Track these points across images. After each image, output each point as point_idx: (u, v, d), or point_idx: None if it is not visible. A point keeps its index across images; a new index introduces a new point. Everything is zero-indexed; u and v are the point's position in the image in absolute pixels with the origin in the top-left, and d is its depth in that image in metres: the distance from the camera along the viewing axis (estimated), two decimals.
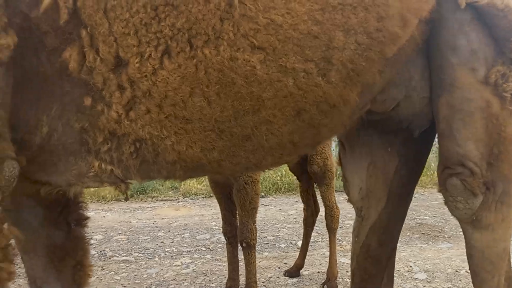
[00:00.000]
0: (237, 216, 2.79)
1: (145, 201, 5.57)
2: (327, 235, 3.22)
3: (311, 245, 3.33)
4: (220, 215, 2.91)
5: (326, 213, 3.02)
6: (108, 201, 5.45)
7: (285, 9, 1.12)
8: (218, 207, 2.91)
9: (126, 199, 1.40)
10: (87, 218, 1.51)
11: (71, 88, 1.12)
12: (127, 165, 1.22)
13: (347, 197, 1.75)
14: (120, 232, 4.35)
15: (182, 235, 4.19)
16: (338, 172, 3.65)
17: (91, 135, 1.17)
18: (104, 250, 3.79)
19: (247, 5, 1.10)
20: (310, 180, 3.07)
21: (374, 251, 1.64)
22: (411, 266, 3.33)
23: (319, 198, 3.15)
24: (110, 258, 3.62)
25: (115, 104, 1.13)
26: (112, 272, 3.32)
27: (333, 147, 4.45)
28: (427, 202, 5.32)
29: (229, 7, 1.09)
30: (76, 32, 1.07)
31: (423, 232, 4.22)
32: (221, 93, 1.14)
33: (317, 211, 3.18)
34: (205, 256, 3.62)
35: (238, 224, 2.76)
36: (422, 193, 5.69)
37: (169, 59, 1.11)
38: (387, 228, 1.64)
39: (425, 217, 4.72)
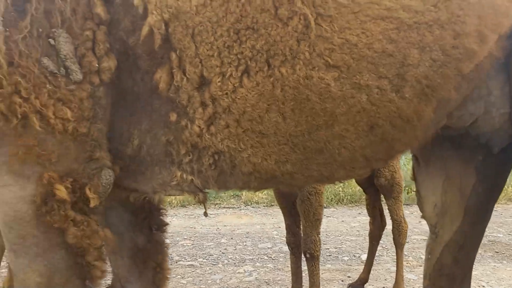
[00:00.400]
0: (301, 227, 2.82)
1: (208, 208, 5.75)
2: (392, 250, 3.15)
3: (375, 259, 3.28)
4: (281, 225, 2.96)
5: (393, 228, 2.96)
6: (174, 206, 5.69)
7: (360, 29, 1.15)
8: (280, 216, 2.96)
9: (205, 214, 1.49)
10: (167, 224, 1.63)
11: (160, 106, 1.23)
12: (206, 175, 1.31)
13: (412, 211, 1.72)
14: (185, 237, 4.53)
15: (244, 243, 4.28)
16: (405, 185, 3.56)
17: (175, 147, 1.27)
18: (171, 254, 3.97)
19: (323, 26, 1.15)
20: (377, 193, 3.03)
21: (449, 270, 1.60)
22: (483, 286, 3.16)
23: (386, 211, 3.10)
24: (176, 262, 3.79)
25: (197, 119, 1.22)
26: (179, 276, 3.47)
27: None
28: (501, 219, 5.00)
29: (305, 29, 1.15)
30: (166, 55, 1.18)
31: (496, 251, 3.98)
32: (296, 109, 1.20)
33: (383, 225, 3.13)
34: (267, 265, 3.67)
35: (302, 235, 2.79)
36: (495, 209, 5.36)
37: (248, 78, 1.18)
38: (463, 247, 1.59)
39: (499, 235, 4.45)
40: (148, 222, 1.58)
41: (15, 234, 1.16)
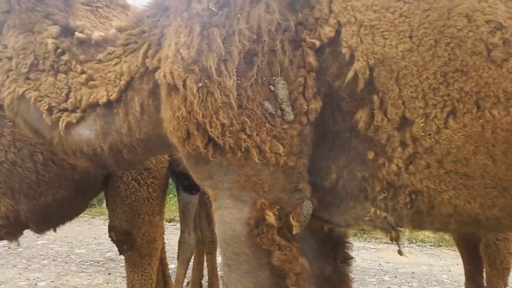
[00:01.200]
0: (484, 275, 2.57)
1: (368, 242, 5.60)
2: None
3: None
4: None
5: None
6: None
7: None
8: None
9: (400, 252, 1.49)
10: (352, 258, 1.67)
11: (357, 143, 1.31)
12: (400, 214, 1.33)
13: None
14: None
15: (410, 284, 4.03)
16: None
17: (370, 184, 1.32)
18: None
19: None
20: None
21: None
22: None
23: None
24: None
25: (396, 158, 1.26)
26: None
27: None
28: None
29: None
30: (368, 97, 1.25)
31: None
32: (508, 152, 1.14)
33: None
34: None
35: (485, 284, 2.53)
36: None
37: (454, 119, 1.17)
38: None
39: None
40: (334, 253, 1.65)
41: (231, 250, 1.35)
